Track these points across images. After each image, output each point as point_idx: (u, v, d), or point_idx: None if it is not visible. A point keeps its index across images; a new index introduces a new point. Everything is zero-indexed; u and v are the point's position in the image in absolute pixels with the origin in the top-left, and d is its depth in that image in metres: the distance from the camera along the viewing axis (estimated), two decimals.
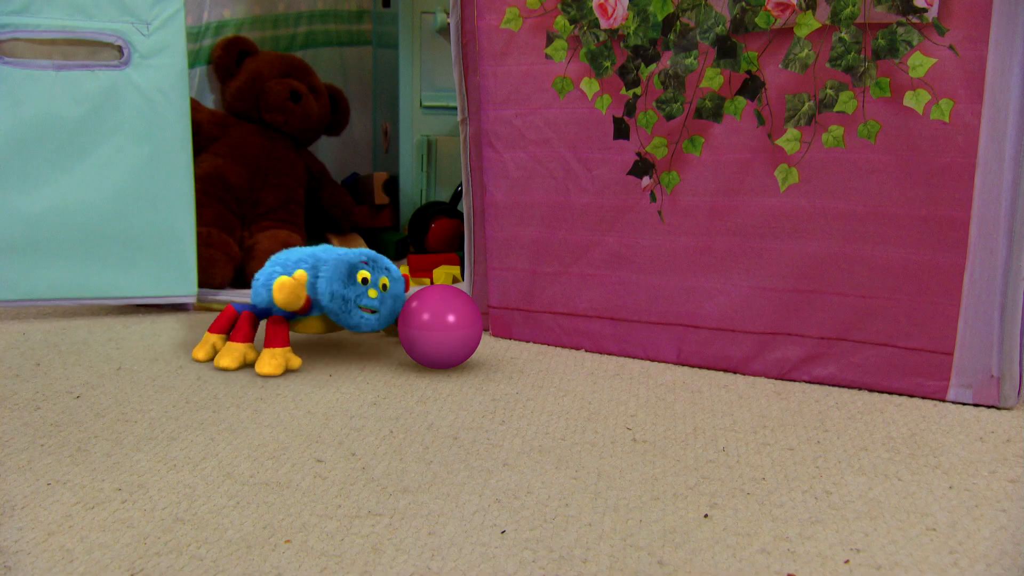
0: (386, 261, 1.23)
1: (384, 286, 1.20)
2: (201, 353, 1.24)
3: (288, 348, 1.20)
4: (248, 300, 1.54)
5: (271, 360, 1.18)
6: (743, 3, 1.15)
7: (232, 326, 1.25)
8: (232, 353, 1.20)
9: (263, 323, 1.29)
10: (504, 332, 1.39)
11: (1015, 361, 1.08)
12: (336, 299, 1.17)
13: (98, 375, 1.18)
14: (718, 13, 1.16)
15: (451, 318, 1.17)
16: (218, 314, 1.28)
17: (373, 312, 1.19)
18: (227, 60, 1.88)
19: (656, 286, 1.26)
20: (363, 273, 1.18)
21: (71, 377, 1.17)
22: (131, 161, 1.44)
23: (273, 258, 1.28)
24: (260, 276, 1.26)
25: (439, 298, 1.19)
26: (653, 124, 1.23)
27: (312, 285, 1.20)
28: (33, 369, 1.20)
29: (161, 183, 1.45)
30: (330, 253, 1.24)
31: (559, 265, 1.33)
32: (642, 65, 1.22)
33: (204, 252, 1.57)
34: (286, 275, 1.19)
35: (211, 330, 1.25)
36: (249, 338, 1.22)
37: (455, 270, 1.75)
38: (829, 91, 1.12)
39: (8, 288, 1.42)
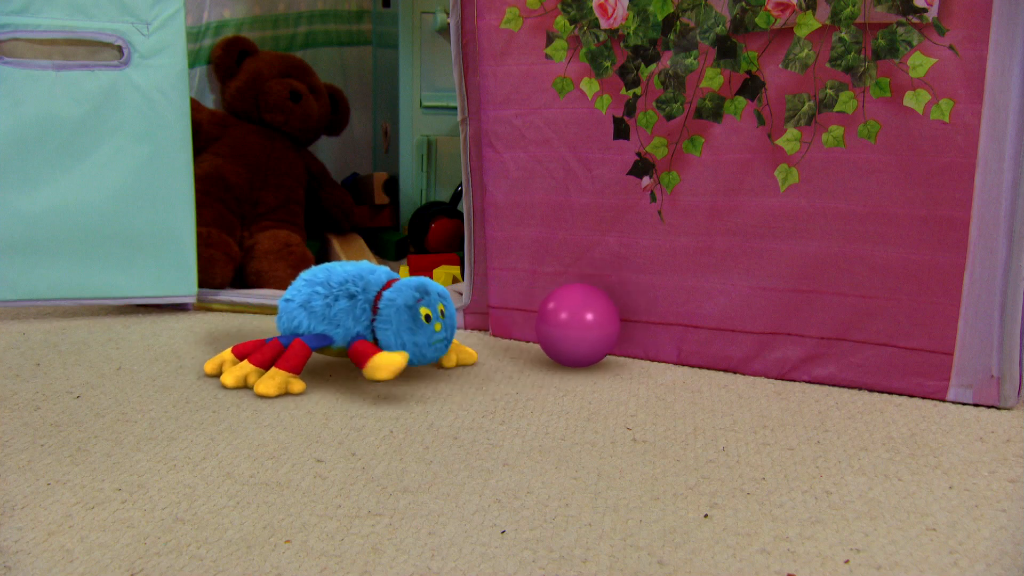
0: (431, 284, 1.17)
1: (442, 312, 1.16)
2: (229, 378, 1.14)
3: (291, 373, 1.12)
4: (249, 300, 1.55)
5: (271, 380, 1.11)
6: (743, 3, 1.15)
7: (276, 357, 1.15)
8: (273, 380, 1.11)
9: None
10: (504, 332, 1.39)
11: (1015, 361, 1.08)
12: (410, 348, 1.13)
13: (98, 375, 1.18)
14: (718, 13, 1.16)
15: (589, 316, 1.19)
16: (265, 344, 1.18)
17: (442, 341, 1.16)
18: (227, 60, 1.88)
19: (656, 286, 1.26)
20: (424, 311, 1.14)
21: (71, 377, 1.17)
22: (131, 161, 1.44)
23: (308, 276, 1.18)
24: (295, 297, 1.17)
25: (578, 297, 1.21)
26: (653, 124, 1.23)
27: (359, 320, 1.15)
28: (33, 369, 1.20)
29: (161, 183, 1.45)
30: (374, 274, 1.18)
31: (559, 265, 1.33)
32: (642, 65, 1.22)
33: (204, 252, 1.57)
34: (341, 333, 1.14)
35: (252, 361, 1.15)
36: (297, 369, 1.13)
37: (455, 270, 1.75)
38: (829, 91, 1.12)
39: (8, 288, 1.42)
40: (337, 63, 2.23)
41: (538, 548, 0.74)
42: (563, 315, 1.21)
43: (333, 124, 2.04)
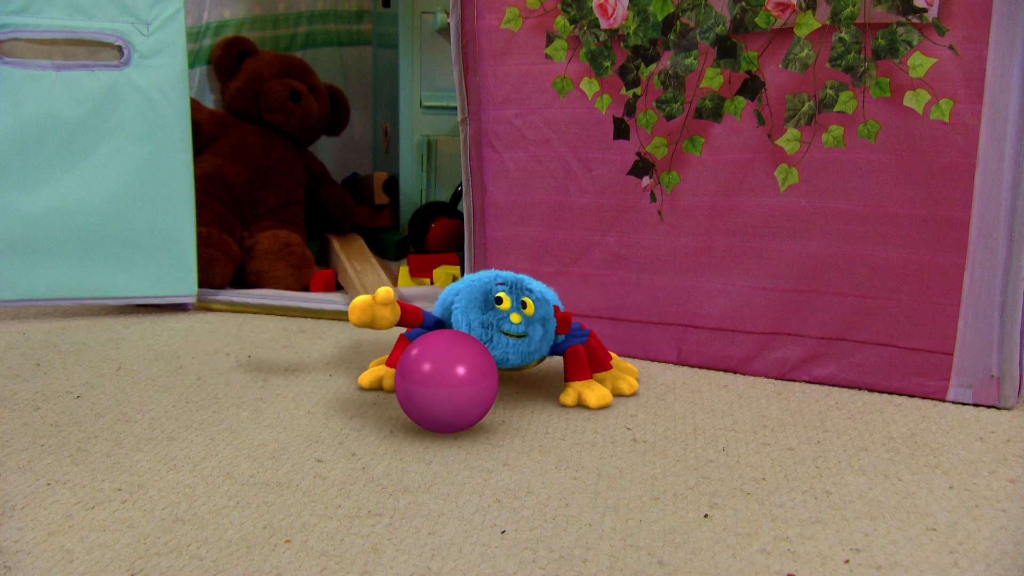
0: (528, 281, 1.10)
1: (524, 304, 1.06)
2: (366, 380, 1.14)
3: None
4: (249, 300, 1.55)
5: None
6: (743, 3, 1.15)
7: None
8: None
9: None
10: None
11: (1015, 361, 1.08)
12: (475, 329, 1.04)
13: (98, 375, 1.18)
14: (718, 13, 1.16)
15: (460, 370, 0.95)
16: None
17: (519, 337, 1.05)
18: (227, 60, 1.88)
19: (656, 286, 1.26)
20: (500, 295, 1.06)
21: (71, 377, 1.17)
22: (131, 161, 1.44)
23: (478, 277, 1.11)
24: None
25: (445, 345, 0.98)
26: (653, 124, 1.23)
27: (447, 311, 1.10)
28: (33, 369, 1.20)
29: (161, 183, 1.45)
30: (522, 280, 1.10)
31: (559, 265, 1.33)
32: (642, 65, 1.22)
33: (204, 252, 1.57)
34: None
35: (388, 364, 1.15)
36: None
37: (455, 270, 1.75)
38: (829, 91, 1.12)
39: (8, 288, 1.42)
40: (337, 63, 2.23)
41: (538, 548, 0.74)
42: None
43: (333, 124, 2.04)
